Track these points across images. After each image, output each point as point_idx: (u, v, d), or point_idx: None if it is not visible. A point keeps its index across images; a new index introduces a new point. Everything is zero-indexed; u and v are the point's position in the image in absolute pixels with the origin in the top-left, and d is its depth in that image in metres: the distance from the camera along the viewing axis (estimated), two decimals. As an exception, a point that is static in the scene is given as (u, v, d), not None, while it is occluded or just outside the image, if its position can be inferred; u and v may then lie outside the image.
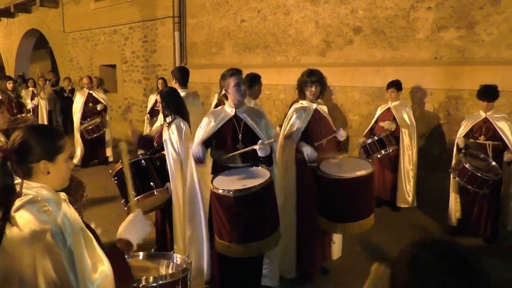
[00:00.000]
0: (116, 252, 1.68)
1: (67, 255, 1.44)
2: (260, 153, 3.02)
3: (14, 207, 1.46)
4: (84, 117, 7.75)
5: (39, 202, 1.48)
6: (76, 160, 7.69)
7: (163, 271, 2.23)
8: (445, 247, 0.96)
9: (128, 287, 1.68)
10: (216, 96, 6.61)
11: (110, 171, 3.68)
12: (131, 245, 1.73)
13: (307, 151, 3.32)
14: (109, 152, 8.09)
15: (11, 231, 1.44)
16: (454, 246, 0.97)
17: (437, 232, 4.78)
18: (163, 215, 3.93)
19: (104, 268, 1.53)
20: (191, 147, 3.25)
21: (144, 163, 3.59)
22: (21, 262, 1.43)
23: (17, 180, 1.52)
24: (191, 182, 3.46)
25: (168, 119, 3.69)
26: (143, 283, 1.97)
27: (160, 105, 3.73)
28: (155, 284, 2.00)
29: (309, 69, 3.55)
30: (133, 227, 1.78)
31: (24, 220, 1.44)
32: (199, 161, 3.15)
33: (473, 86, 4.67)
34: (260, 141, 3.02)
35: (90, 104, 7.77)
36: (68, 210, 1.55)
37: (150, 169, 3.62)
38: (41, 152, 1.55)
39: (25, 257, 1.42)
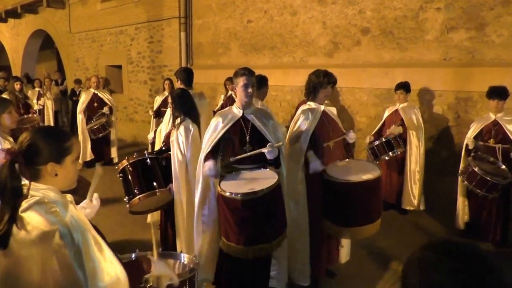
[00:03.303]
0: (138, 267, 1.74)
1: (76, 255, 1.45)
2: (268, 156, 2.98)
3: (21, 208, 1.47)
4: (89, 117, 7.76)
5: (46, 203, 1.49)
6: (88, 157, 7.77)
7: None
8: (452, 247, 0.97)
9: None
10: (222, 97, 6.60)
11: (116, 167, 3.70)
12: (150, 266, 1.81)
13: (314, 166, 3.27)
14: (114, 153, 8.07)
15: (19, 233, 1.45)
16: (461, 245, 0.97)
17: (444, 236, 4.71)
18: (166, 217, 3.93)
19: (116, 270, 1.54)
20: (201, 161, 3.22)
21: (150, 162, 3.61)
22: (30, 263, 1.44)
23: (24, 182, 1.52)
24: (206, 183, 3.42)
25: (177, 121, 3.68)
26: (151, 283, 1.95)
27: (171, 106, 3.74)
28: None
29: (323, 70, 3.47)
30: (163, 264, 1.88)
31: (32, 221, 1.45)
32: (213, 176, 3.13)
33: (482, 88, 4.60)
34: (269, 144, 2.98)
35: (95, 104, 7.77)
36: (75, 211, 1.55)
37: (155, 168, 3.64)
38: (49, 154, 1.55)
39: (33, 258, 1.43)
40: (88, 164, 7.83)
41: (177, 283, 1.93)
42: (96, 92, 7.84)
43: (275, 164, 3.11)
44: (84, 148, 7.71)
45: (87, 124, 7.73)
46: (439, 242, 1.00)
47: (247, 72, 3.10)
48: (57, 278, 1.43)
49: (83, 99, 7.84)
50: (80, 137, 7.75)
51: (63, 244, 1.43)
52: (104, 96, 7.90)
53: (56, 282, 1.43)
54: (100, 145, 7.94)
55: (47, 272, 1.43)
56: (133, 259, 1.75)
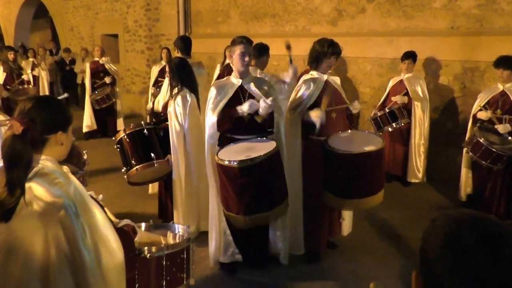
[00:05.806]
0: (126, 235, 1.75)
1: (80, 228, 1.46)
2: (244, 109, 2.98)
3: None
4: (93, 87, 7.65)
5: (48, 174, 1.48)
6: (87, 129, 7.76)
7: (166, 241, 2.23)
8: (495, 229, 0.87)
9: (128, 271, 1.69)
10: (219, 66, 6.43)
11: (114, 138, 3.67)
12: (136, 233, 1.85)
13: (315, 116, 3.14)
14: (120, 124, 7.87)
15: (22, 205, 1.44)
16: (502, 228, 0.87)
17: (447, 208, 4.70)
18: (165, 188, 3.92)
19: (113, 244, 1.56)
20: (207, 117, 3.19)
21: (147, 132, 3.57)
22: (33, 235, 1.44)
23: None
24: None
25: (175, 91, 3.61)
26: (148, 253, 1.97)
27: (169, 75, 3.67)
28: (161, 253, 1.99)
29: (329, 40, 3.34)
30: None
31: (34, 192, 1.44)
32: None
33: (490, 57, 4.47)
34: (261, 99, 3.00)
35: (101, 74, 7.65)
36: (77, 183, 1.57)
37: (152, 139, 3.62)
38: (58, 123, 1.56)
39: (37, 230, 1.44)
40: (88, 136, 7.79)
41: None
42: (101, 62, 7.69)
43: (269, 126, 3.12)
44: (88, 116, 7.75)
45: (90, 94, 7.65)
46: (471, 219, 0.89)
47: (245, 40, 3.08)
48: (61, 250, 1.43)
49: (88, 70, 7.70)
50: (87, 107, 7.69)
51: (68, 216, 1.44)
52: (112, 67, 7.78)
53: (60, 254, 1.44)
54: (104, 116, 7.86)
55: (50, 244, 1.43)
56: (119, 227, 1.77)
